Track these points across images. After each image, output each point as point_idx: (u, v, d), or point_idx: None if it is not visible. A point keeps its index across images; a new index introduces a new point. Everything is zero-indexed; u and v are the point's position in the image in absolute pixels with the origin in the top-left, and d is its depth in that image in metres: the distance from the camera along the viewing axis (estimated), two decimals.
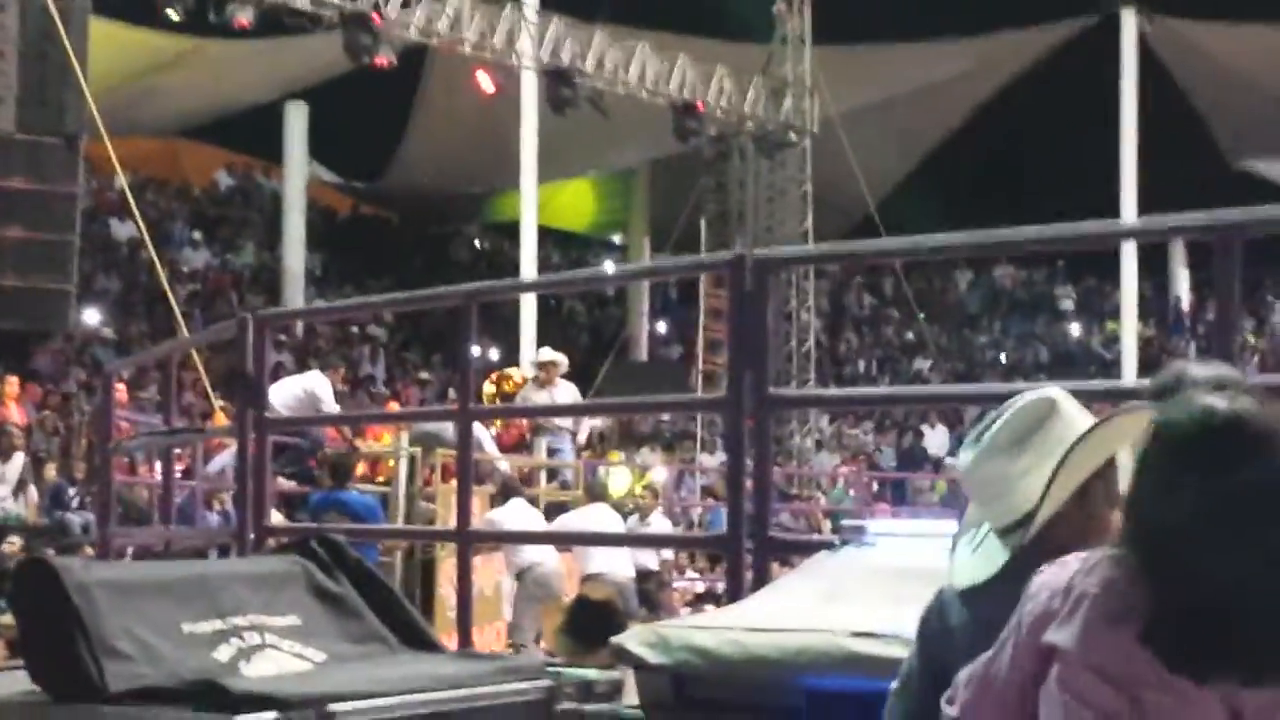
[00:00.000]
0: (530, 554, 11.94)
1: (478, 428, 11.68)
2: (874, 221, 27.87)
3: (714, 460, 23.69)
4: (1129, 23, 28.99)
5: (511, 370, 17.49)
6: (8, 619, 10.22)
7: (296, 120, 29.93)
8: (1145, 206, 27.63)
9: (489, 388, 15.85)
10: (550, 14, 24.74)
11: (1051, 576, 2.49)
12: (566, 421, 16.36)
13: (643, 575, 13.37)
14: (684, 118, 26.30)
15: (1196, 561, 2.30)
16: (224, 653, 4.61)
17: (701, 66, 26.76)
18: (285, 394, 13.29)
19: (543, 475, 16.29)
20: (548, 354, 16.20)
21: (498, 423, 15.33)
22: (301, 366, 26.27)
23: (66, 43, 17.67)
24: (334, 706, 4.26)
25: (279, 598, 4.92)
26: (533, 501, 14.01)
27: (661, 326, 36.24)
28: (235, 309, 23.28)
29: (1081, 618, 2.40)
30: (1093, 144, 29.57)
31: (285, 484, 13.41)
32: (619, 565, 12.24)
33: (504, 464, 14.84)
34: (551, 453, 16.38)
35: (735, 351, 6.39)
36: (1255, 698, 2.33)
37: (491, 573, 12.77)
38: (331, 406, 14.01)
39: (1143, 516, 2.40)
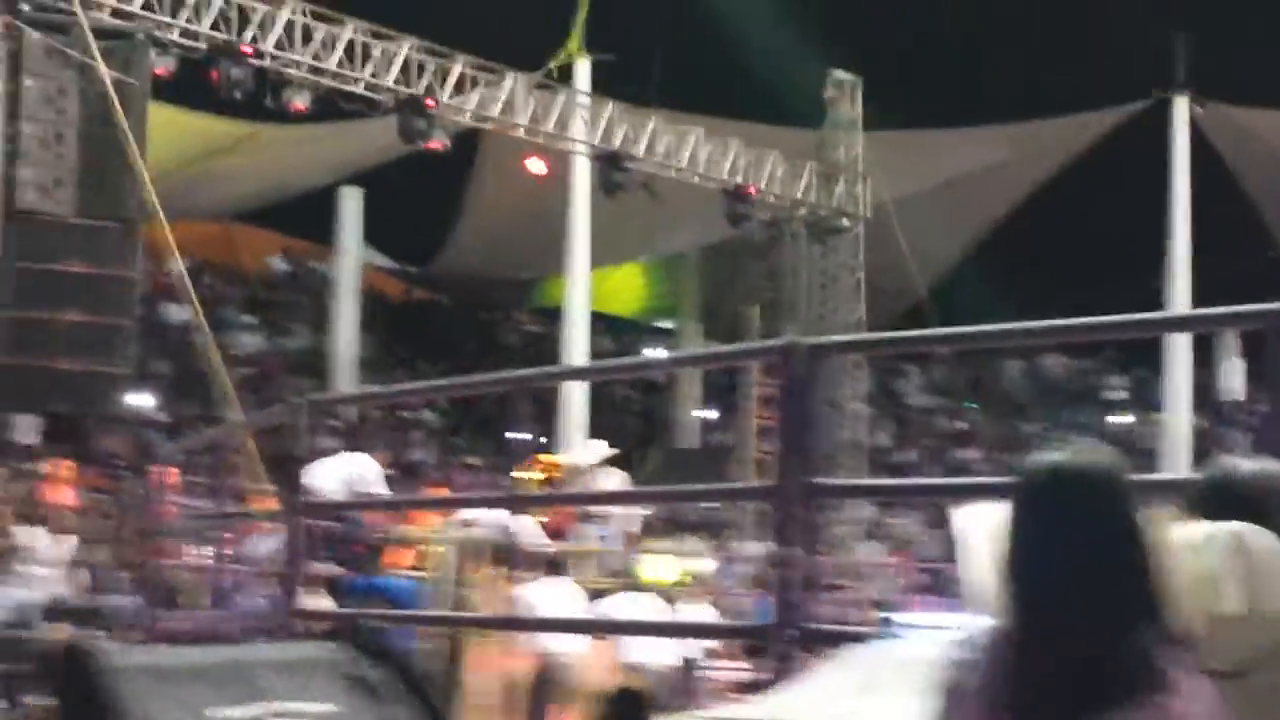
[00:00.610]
0: (554, 641, 11.61)
1: (520, 518, 11.62)
2: (925, 308, 27.81)
3: (758, 548, 23.53)
4: (1181, 108, 28.94)
5: (554, 457, 17.41)
6: (38, 701, 10.21)
7: (351, 204, 30.14)
8: (1197, 294, 27.47)
9: (536, 475, 15.78)
10: (603, 98, 24.91)
11: None
12: (616, 510, 16.28)
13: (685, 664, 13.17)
14: (736, 202, 26.36)
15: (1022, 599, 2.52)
16: None
17: (753, 151, 26.85)
18: (333, 477, 13.27)
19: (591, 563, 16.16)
20: (596, 453, 16.07)
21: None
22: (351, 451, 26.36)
23: (125, 127, 17.85)
24: None
25: (315, 684, 4.88)
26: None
27: (712, 413, 36.16)
28: (286, 393, 23.37)
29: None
30: (1144, 231, 29.47)
31: (333, 570, 13.37)
32: (659, 654, 11.98)
33: (541, 541, 14.74)
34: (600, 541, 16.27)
35: (784, 439, 6.34)
36: None
37: (526, 662, 12.58)
38: (381, 488, 13.97)
39: (1009, 576, 2.58)
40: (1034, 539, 2.56)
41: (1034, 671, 2.51)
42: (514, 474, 15.23)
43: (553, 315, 33.64)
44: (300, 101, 21.05)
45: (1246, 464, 3.29)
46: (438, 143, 22.46)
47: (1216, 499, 3.15)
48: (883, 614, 5.10)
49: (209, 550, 10.73)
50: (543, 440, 27.83)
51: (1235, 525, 2.90)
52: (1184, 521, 2.99)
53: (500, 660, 10.77)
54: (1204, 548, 2.86)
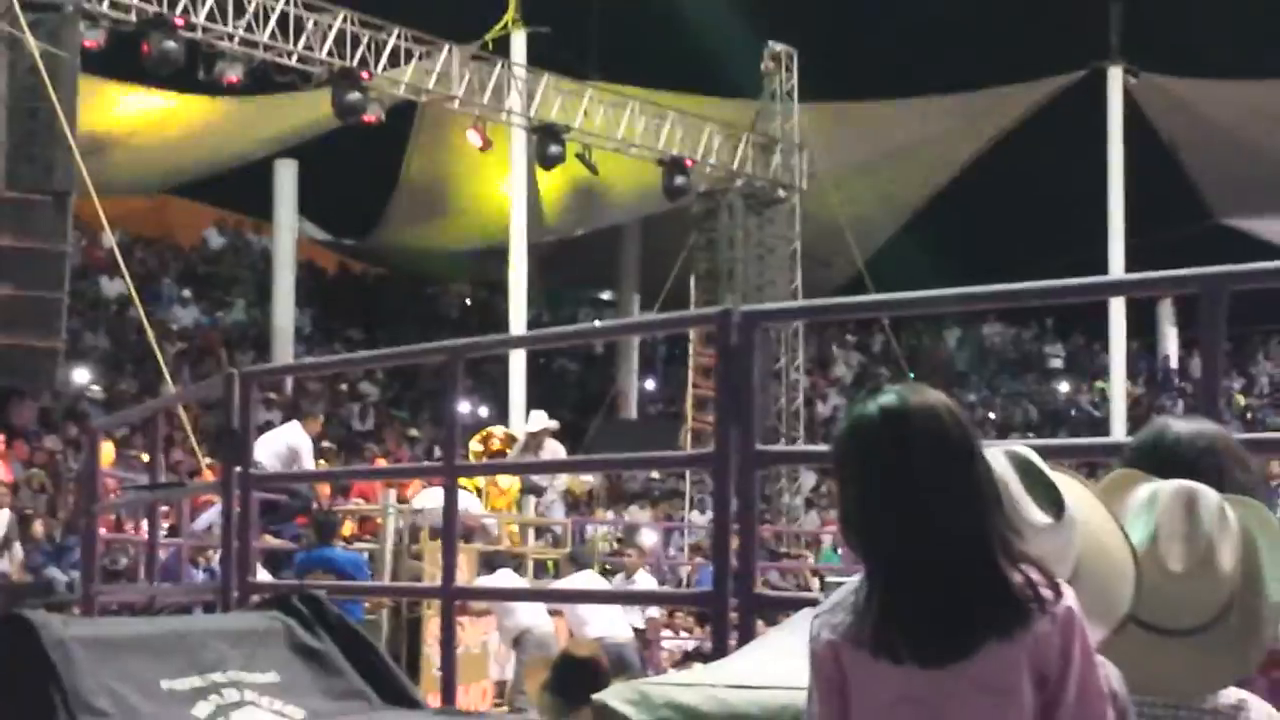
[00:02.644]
0: (524, 618, 11.81)
1: (463, 496, 11.64)
2: (863, 278, 27.91)
3: (703, 518, 23.62)
4: (1115, 79, 29.14)
5: (495, 429, 17.45)
6: None
7: (286, 177, 29.95)
8: (1132, 263, 27.70)
9: (476, 446, 15.81)
10: (539, 71, 24.85)
11: None
12: (558, 480, 16.36)
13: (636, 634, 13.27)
14: (673, 174, 26.36)
15: (878, 542, 2.60)
16: (203, 710, 4.57)
17: (690, 122, 26.86)
18: (269, 449, 13.26)
19: (531, 534, 16.24)
20: (537, 422, 16.14)
21: (485, 484, 15.30)
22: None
23: (55, 100, 17.69)
24: None
25: (259, 654, 4.88)
26: (520, 558, 13.96)
27: (650, 385, 36.23)
28: (224, 366, 23.26)
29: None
30: (1080, 200, 29.67)
31: (272, 542, 13.37)
32: (618, 628, 12.09)
33: (491, 521, 14.79)
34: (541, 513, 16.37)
35: (722, 407, 6.36)
36: (935, 675, 2.53)
37: (479, 631, 12.69)
38: (310, 460, 13.97)
39: (846, 516, 2.67)
40: (873, 483, 2.60)
41: (895, 612, 2.57)
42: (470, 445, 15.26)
43: (492, 287, 33.63)
44: (233, 74, 20.87)
45: (1181, 424, 3.32)
46: (372, 116, 22.35)
47: (1152, 459, 3.18)
48: (827, 580, 5.12)
49: (147, 524, 10.66)
50: (483, 413, 27.84)
51: (1181, 483, 2.93)
52: (1127, 482, 3.02)
53: (463, 629, 10.81)
54: (1149, 506, 2.89)
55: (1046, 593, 2.55)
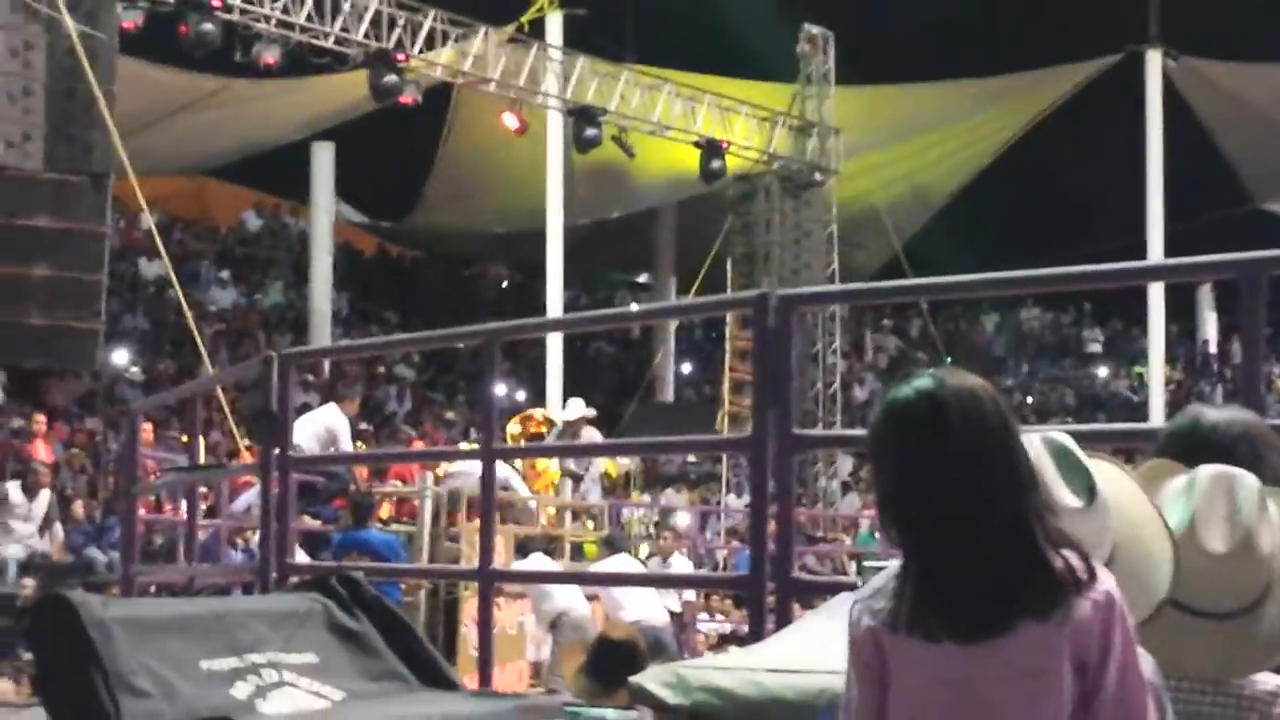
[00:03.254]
0: (561, 601, 11.81)
1: (505, 467, 11.64)
2: (900, 262, 27.83)
3: (739, 502, 23.62)
4: (1154, 62, 28.96)
5: (535, 411, 17.47)
6: (29, 656, 10.21)
7: (323, 160, 29.98)
8: (1172, 248, 27.56)
9: (514, 428, 15.83)
10: (575, 53, 24.83)
11: None
12: (594, 465, 16.36)
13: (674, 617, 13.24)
14: (709, 157, 26.32)
15: (916, 525, 2.60)
16: (241, 690, 4.59)
17: (726, 106, 26.81)
18: (307, 431, 13.30)
19: (568, 517, 16.25)
20: (575, 410, 16.14)
21: (523, 466, 15.32)
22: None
23: (94, 81, 17.74)
24: None
25: (298, 635, 4.90)
26: (556, 541, 13.97)
27: (687, 368, 36.22)
28: (261, 348, 23.34)
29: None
30: (1118, 185, 29.53)
31: (310, 523, 13.41)
32: (654, 611, 12.07)
33: (533, 502, 14.80)
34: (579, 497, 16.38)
35: (759, 391, 6.36)
36: (971, 654, 2.53)
37: (515, 613, 12.71)
38: (348, 442, 13.99)
39: (883, 499, 2.68)
40: (910, 465, 2.60)
41: (932, 592, 2.57)
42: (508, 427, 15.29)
43: (529, 270, 33.67)
44: (270, 55, 20.90)
45: (1216, 411, 3.31)
46: (409, 98, 22.37)
47: (1187, 446, 3.18)
48: (864, 564, 5.10)
49: (186, 505, 10.70)
50: (519, 397, 27.87)
51: (1220, 467, 2.92)
52: (1165, 472, 3.01)
53: (499, 611, 10.80)
54: (1188, 490, 2.89)
55: (1086, 576, 2.55)
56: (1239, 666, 2.85)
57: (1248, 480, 2.88)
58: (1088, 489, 2.72)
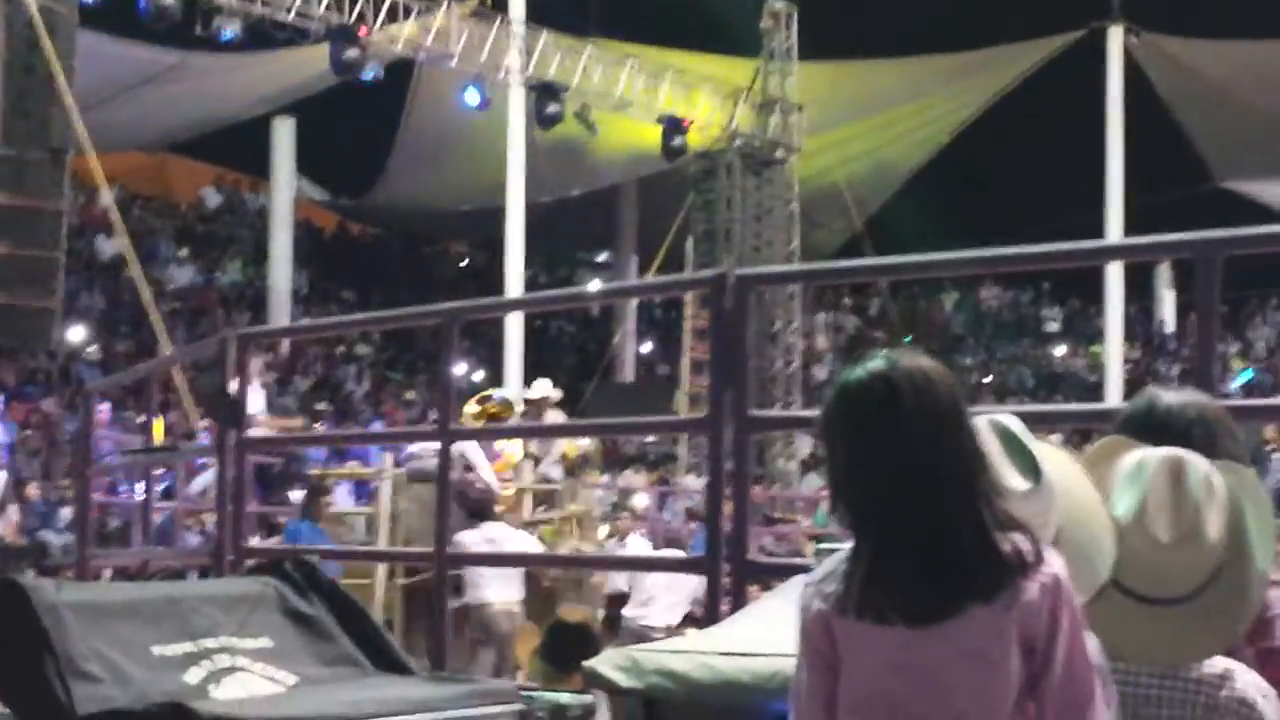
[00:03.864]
0: (478, 592, 11.06)
1: (471, 447, 11.51)
2: (861, 239, 27.87)
3: (698, 482, 23.62)
4: (1115, 39, 29.02)
5: (494, 391, 17.40)
6: None
7: (283, 136, 29.89)
8: (1132, 225, 27.67)
9: (472, 408, 15.76)
10: (538, 28, 24.74)
11: None
12: (554, 445, 16.30)
13: (618, 599, 13.07)
14: (671, 134, 26.29)
15: (867, 505, 2.61)
16: (194, 675, 4.56)
17: (689, 82, 26.77)
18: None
19: (528, 500, 16.19)
20: (541, 389, 16.04)
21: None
22: (284, 386, 26.29)
23: (52, 56, 17.61)
24: None
25: (251, 620, 4.86)
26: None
27: (648, 347, 36.21)
28: (220, 326, 23.24)
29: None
30: (1079, 161, 29.60)
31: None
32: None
33: (495, 484, 14.69)
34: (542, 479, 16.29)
35: (716, 371, 6.34)
36: (921, 637, 2.55)
37: None
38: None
39: (835, 480, 2.68)
40: (862, 446, 2.61)
41: (883, 573, 2.58)
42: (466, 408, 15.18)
43: (490, 248, 33.59)
44: (230, 30, 20.80)
45: (1172, 394, 3.32)
46: (370, 73, 22.29)
47: (1143, 430, 3.18)
48: (820, 546, 5.11)
49: (142, 486, 10.64)
50: (478, 376, 27.82)
51: (1169, 451, 2.93)
52: (1115, 449, 3.01)
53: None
54: (1137, 474, 2.89)
55: (1033, 559, 2.56)
56: (1187, 651, 2.86)
57: (1197, 464, 2.89)
58: (1033, 472, 2.72)
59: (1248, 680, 2.86)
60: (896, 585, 2.57)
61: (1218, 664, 2.87)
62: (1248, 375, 30.04)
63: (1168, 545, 2.82)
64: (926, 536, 2.56)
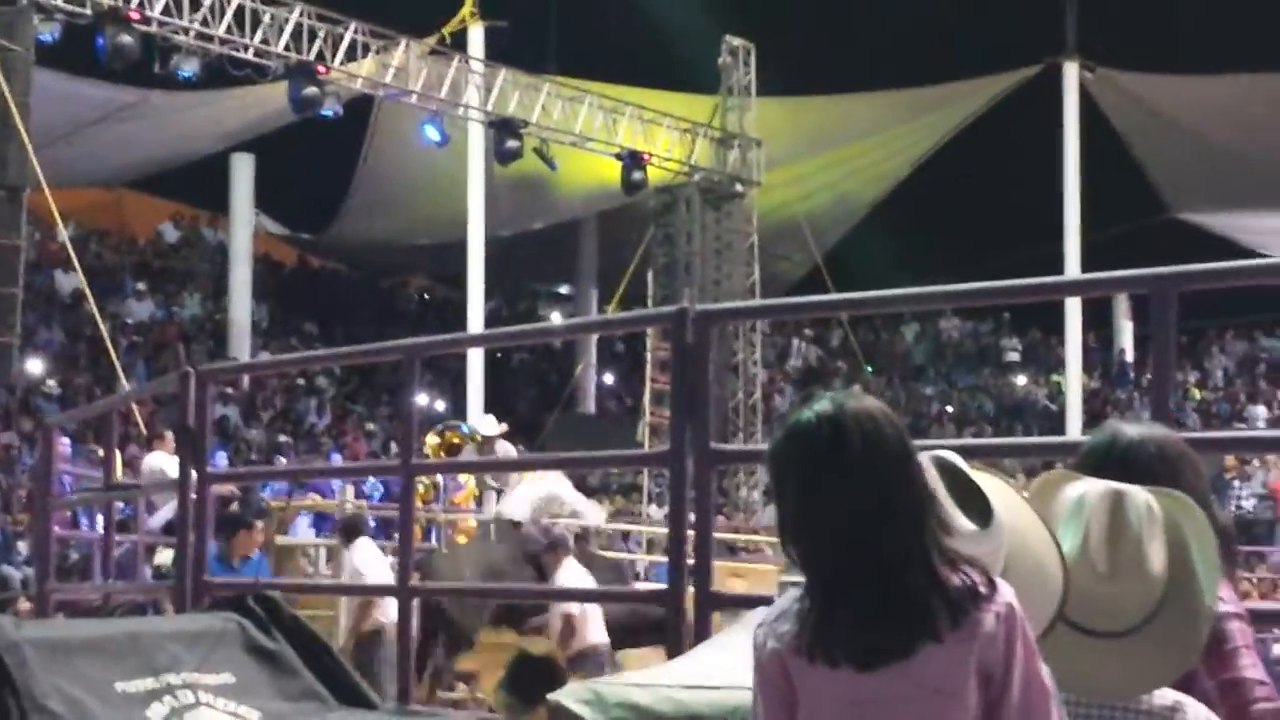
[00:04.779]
0: (385, 612, 10.86)
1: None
2: (822, 273, 27.96)
3: (660, 512, 23.62)
4: (1071, 74, 29.26)
5: (457, 423, 17.41)
6: None
7: (242, 171, 29.87)
8: (1089, 257, 27.84)
9: (433, 439, 15.77)
10: (497, 65, 24.79)
11: None
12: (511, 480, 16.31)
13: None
14: (631, 169, 26.36)
15: (816, 547, 2.63)
16: (157, 711, 4.56)
17: (648, 117, 26.86)
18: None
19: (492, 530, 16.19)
20: (488, 427, 16.04)
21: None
22: (247, 420, 26.24)
23: (8, 93, 17.58)
24: None
25: (214, 656, 4.86)
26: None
27: (609, 378, 36.23)
28: (180, 360, 23.15)
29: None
30: (1037, 195, 29.79)
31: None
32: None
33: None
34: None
35: (677, 406, 6.37)
36: (876, 676, 2.56)
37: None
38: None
39: (783, 522, 2.69)
40: (810, 487, 2.62)
41: (833, 616, 2.60)
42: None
43: (451, 281, 33.58)
44: (189, 68, 20.77)
45: (1133, 428, 3.35)
46: (329, 110, 22.28)
47: (1104, 463, 3.21)
48: (783, 578, 5.11)
49: (103, 521, 10.58)
50: (439, 406, 27.79)
51: (1109, 485, 2.95)
52: (1058, 481, 3.03)
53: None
54: (1078, 509, 2.91)
55: (986, 590, 2.58)
56: (1135, 684, 2.88)
57: (1137, 497, 2.91)
58: (981, 510, 2.74)
59: (1199, 712, 2.89)
60: (845, 629, 2.58)
61: (1168, 696, 2.90)
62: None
63: (1110, 578, 2.84)
64: (874, 579, 2.58)
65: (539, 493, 13.49)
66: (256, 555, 11.56)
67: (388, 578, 10.50)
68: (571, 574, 10.75)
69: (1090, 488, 2.94)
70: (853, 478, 2.59)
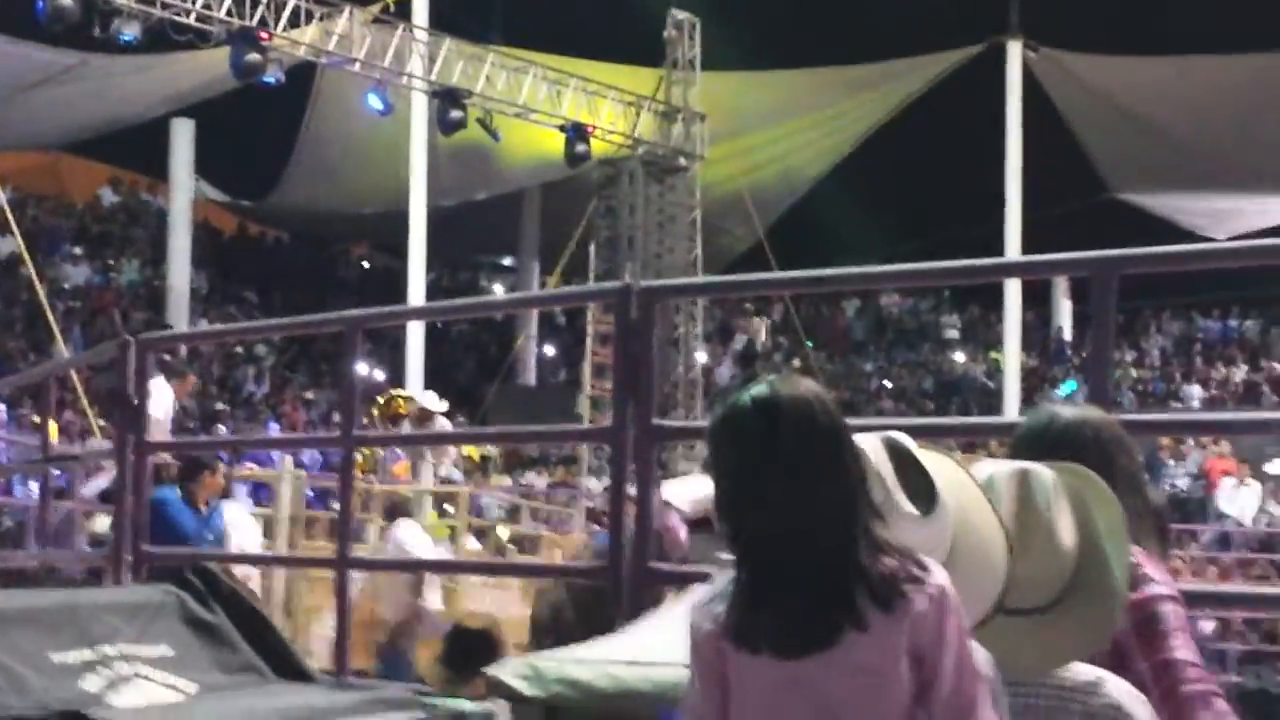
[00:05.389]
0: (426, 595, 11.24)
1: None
2: (764, 248, 28.00)
3: (600, 484, 23.64)
4: (1014, 53, 29.39)
5: (399, 391, 17.38)
6: None
7: (182, 137, 29.66)
8: (1030, 236, 28.00)
9: (380, 403, 15.72)
10: (441, 35, 24.68)
11: None
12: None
13: None
14: (574, 141, 26.31)
15: (747, 530, 2.62)
16: (93, 683, 4.52)
17: (592, 90, 26.81)
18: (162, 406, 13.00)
19: (428, 502, 16.17)
20: (430, 403, 16.03)
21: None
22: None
23: None
24: None
25: (151, 627, 4.83)
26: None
27: (550, 350, 36.20)
28: (117, 326, 23.01)
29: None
30: (979, 172, 29.92)
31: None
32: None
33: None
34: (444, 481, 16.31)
35: (619, 382, 6.36)
36: (797, 668, 2.57)
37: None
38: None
39: (718, 504, 2.68)
40: (743, 470, 2.63)
41: (760, 603, 2.61)
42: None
43: (392, 251, 33.46)
44: (130, 31, 20.58)
45: (1070, 410, 3.38)
46: (272, 76, 22.13)
47: (1039, 446, 3.24)
48: (724, 554, 5.14)
49: (38, 489, 10.51)
50: (379, 375, 27.69)
51: (1015, 465, 2.98)
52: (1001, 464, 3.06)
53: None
54: (987, 490, 2.93)
55: (917, 572, 2.59)
56: (1054, 659, 2.91)
57: (1043, 475, 2.94)
58: (927, 494, 2.75)
59: (1120, 687, 2.92)
60: (770, 617, 2.59)
61: (1089, 672, 2.93)
62: (1071, 387, 30.49)
63: (1022, 556, 2.87)
64: (802, 567, 2.58)
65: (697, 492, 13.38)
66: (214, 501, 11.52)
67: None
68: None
69: (997, 468, 2.97)
70: (784, 465, 2.59)
